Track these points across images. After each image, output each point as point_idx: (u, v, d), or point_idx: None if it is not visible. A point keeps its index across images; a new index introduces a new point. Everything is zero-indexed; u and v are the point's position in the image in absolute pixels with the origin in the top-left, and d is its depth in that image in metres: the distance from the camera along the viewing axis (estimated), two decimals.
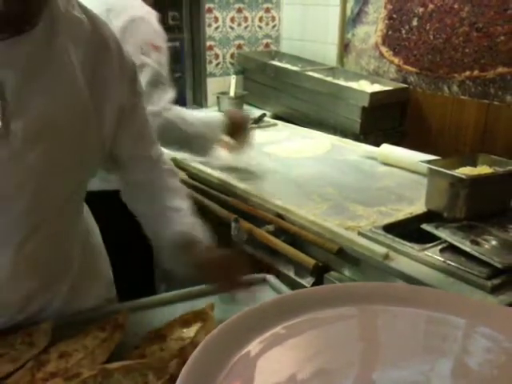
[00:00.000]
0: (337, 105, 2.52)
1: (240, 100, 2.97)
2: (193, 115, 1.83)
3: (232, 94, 2.95)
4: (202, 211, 1.87)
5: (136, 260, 1.88)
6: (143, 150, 1.12)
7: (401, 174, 1.98)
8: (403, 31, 2.56)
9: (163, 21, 2.89)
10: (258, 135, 2.53)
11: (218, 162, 2.07)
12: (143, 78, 1.58)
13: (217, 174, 1.99)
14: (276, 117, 2.85)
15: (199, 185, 1.97)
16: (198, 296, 1.13)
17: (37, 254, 0.98)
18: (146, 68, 1.64)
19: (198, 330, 0.98)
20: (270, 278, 1.21)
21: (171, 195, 1.13)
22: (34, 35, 0.86)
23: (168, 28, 2.91)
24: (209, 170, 2.03)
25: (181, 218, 1.10)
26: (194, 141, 1.81)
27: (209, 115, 2.10)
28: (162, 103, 1.67)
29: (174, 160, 2.16)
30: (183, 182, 1.99)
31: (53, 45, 0.89)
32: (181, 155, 2.19)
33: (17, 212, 0.92)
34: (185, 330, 1.00)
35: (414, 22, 2.51)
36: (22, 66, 0.86)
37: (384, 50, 2.66)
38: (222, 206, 1.83)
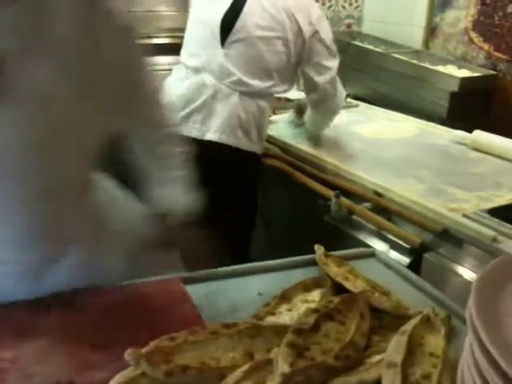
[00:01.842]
0: (422, 88, 2.50)
1: None
2: None
3: None
4: (295, 185, 1.93)
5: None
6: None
7: (494, 160, 1.97)
8: (496, 18, 2.52)
9: None
10: (342, 115, 2.55)
11: None
12: None
13: (309, 150, 2.02)
14: (355, 97, 2.85)
15: (293, 160, 2.00)
16: (309, 264, 1.17)
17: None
18: None
19: (322, 294, 1.03)
20: (379, 251, 1.25)
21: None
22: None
23: None
24: (300, 146, 2.06)
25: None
26: None
27: None
28: None
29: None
30: (277, 157, 2.05)
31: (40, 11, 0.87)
32: (273, 132, 2.22)
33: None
34: (307, 294, 1.06)
35: (509, 9, 2.46)
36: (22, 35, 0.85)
37: (474, 35, 2.62)
38: (318, 181, 1.85)
